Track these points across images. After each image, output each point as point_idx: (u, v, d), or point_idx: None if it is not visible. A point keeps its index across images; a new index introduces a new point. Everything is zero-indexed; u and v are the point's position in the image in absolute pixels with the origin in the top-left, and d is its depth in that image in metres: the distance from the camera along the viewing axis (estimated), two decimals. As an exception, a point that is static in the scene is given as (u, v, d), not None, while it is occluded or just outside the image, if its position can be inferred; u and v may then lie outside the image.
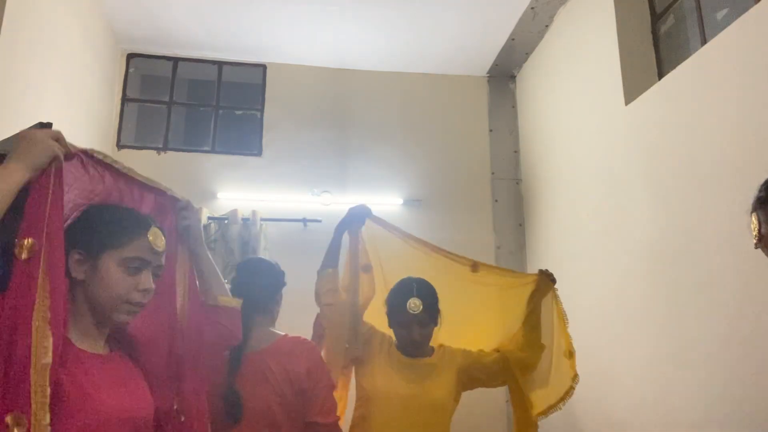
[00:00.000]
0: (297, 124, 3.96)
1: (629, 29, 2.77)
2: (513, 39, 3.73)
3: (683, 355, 2.18)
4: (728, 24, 2.05)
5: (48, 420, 0.94)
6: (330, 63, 4.03)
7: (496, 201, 3.98)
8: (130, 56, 3.91)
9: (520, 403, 2.07)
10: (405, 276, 2.03)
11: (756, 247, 1.18)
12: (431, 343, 2.03)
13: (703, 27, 2.38)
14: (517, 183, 4.03)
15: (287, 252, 3.26)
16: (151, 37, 3.77)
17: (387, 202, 3.89)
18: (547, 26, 3.58)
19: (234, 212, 3.58)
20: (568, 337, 2.10)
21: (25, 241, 0.98)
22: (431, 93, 4.14)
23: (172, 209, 1.43)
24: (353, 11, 3.46)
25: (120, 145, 3.79)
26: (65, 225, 1.11)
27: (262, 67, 4.04)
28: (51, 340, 0.97)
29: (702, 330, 2.09)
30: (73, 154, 1.11)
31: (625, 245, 2.64)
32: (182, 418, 1.31)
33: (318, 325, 2.12)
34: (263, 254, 3.47)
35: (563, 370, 2.08)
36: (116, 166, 1.24)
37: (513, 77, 4.20)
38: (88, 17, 3.23)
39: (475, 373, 2.03)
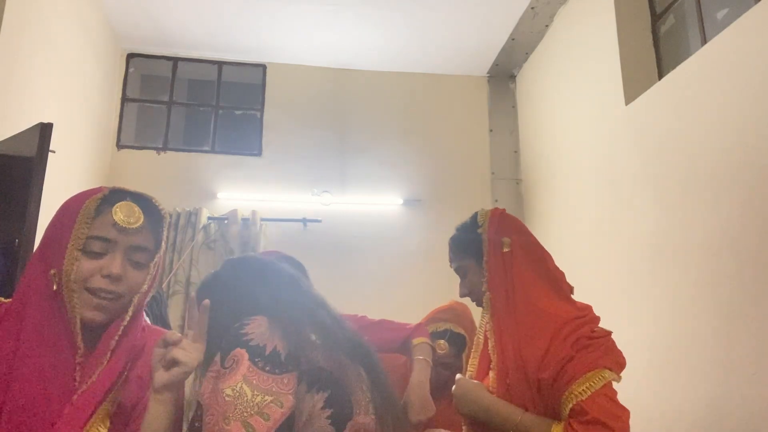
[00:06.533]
0: (297, 124, 3.96)
1: (629, 29, 2.77)
2: (513, 39, 3.73)
3: (683, 355, 2.18)
4: (728, 24, 2.04)
5: None
6: (330, 63, 4.03)
7: (496, 201, 3.97)
8: (130, 56, 3.91)
9: None
10: None
11: None
12: None
13: (703, 27, 2.38)
14: (517, 183, 4.03)
15: (287, 252, 3.25)
16: (151, 37, 3.76)
17: (387, 202, 3.89)
18: (547, 26, 3.58)
19: (234, 212, 3.58)
20: None
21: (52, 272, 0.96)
22: (431, 93, 4.14)
23: None
24: (353, 11, 3.46)
25: (120, 145, 3.79)
26: None
27: (262, 67, 4.04)
28: None
29: (702, 330, 2.08)
30: None
31: (625, 245, 2.64)
32: None
33: None
34: (263, 254, 3.47)
35: None
36: None
37: (513, 77, 4.20)
38: (88, 17, 3.23)
39: None
